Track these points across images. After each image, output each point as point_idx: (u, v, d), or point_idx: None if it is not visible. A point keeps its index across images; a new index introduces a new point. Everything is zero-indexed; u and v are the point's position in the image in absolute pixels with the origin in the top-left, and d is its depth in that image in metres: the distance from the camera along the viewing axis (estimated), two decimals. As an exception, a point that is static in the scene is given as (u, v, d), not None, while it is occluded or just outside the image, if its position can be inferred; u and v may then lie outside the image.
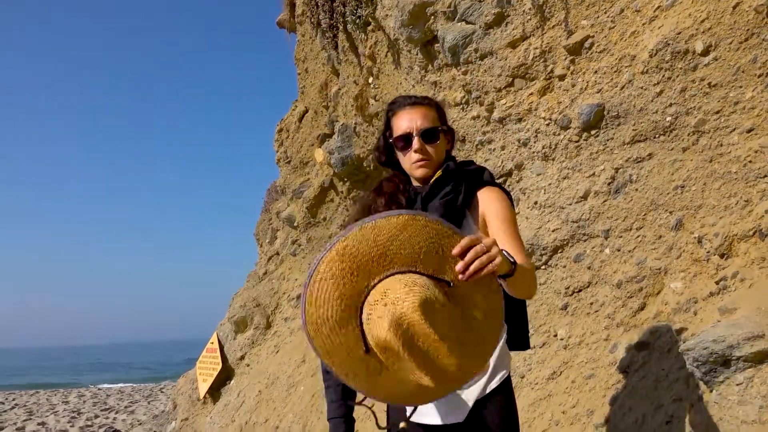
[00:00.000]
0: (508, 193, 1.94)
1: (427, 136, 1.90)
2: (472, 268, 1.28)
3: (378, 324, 1.26)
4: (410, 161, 1.91)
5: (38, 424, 10.45)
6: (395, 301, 1.25)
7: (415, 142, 1.88)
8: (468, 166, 1.96)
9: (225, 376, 7.83)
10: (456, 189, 1.87)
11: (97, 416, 11.59)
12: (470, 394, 1.84)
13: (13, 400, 15.92)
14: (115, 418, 11.17)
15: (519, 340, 2.07)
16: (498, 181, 3.63)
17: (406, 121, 1.91)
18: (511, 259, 1.47)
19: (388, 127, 1.99)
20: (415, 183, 1.97)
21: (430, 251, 1.33)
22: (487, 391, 1.84)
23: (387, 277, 1.30)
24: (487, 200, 1.87)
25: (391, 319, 1.24)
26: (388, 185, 1.99)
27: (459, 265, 1.28)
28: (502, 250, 1.37)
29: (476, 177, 1.92)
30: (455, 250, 1.28)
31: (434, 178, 1.89)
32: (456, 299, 1.35)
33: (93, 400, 15.29)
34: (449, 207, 1.83)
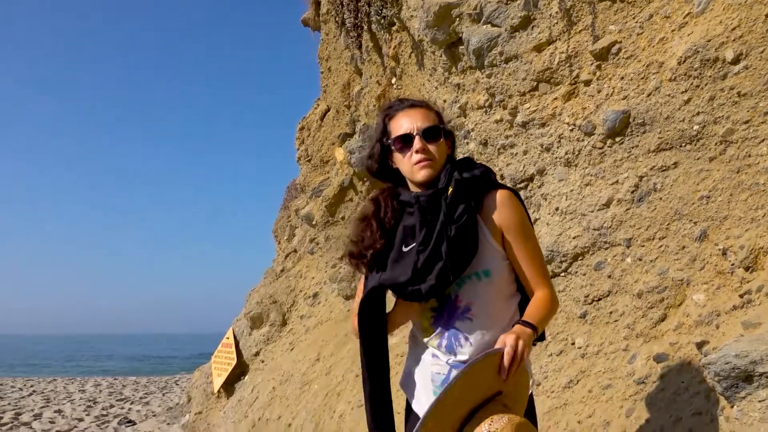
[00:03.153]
0: (515, 192, 1.90)
1: (429, 134, 1.83)
2: (510, 371, 1.63)
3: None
4: (411, 163, 1.84)
5: (55, 411, 10.59)
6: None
7: (416, 141, 1.82)
8: (471, 169, 1.87)
9: (239, 371, 7.87)
10: (468, 209, 1.79)
11: (112, 406, 11.71)
12: None
13: (32, 386, 16.14)
14: (130, 409, 11.28)
15: None
16: (519, 186, 3.62)
17: (406, 122, 1.85)
18: (532, 330, 1.74)
19: (384, 132, 1.92)
20: (415, 189, 1.89)
21: (488, 385, 1.67)
22: None
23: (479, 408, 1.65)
24: (500, 209, 1.83)
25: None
26: (370, 206, 1.95)
27: (503, 374, 1.63)
28: (522, 333, 1.69)
29: (484, 182, 1.86)
30: (500, 371, 1.63)
31: (448, 192, 1.80)
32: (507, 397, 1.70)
33: (109, 389, 15.45)
34: (464, 234, 1.78)
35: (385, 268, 1.89)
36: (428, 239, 1.81)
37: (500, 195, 1.85)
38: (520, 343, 1.65)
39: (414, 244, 1.84)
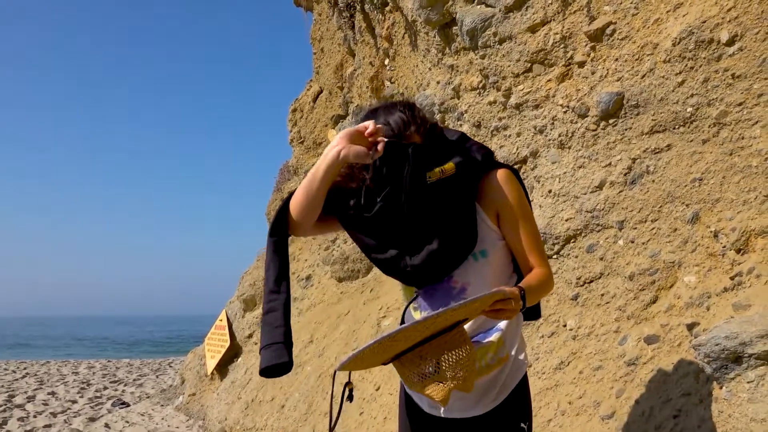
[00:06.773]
0: (514, 171, 1.87)
1: None
2: (491, 315, 1.57)
3: (432, 389, 1.55)
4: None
5: (48, 393, 10.61)
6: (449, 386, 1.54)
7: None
8: (469, 148, 1.82)
9: (233, 353, 7.90)
10: (465, 195, 1.76)
11: (106, 388, 11.73)
12: (492, 390, 1.83)
13: (25, 369, 16.14)
14: (123, 391, 11.31)
15: (531, 310, 2.05)
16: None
17: None
18: (522, 302, 1.64)
19: None
20: None
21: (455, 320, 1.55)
22: (514, 386, 1.84)
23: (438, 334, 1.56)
24: (497, 189, 1.80)
25: (444, 395, 1.55)
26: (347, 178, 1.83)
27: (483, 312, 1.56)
28: (520, 295, 1.62)
29: (485, 165, 1.82)
30: (487, 310, 1.55)
31: (446, 175, 1.72)
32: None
33: (102, 371, 15.48)
34: (462, 225, 1.74)
35: (360, 223, 1.79)
36: (396, 196, 1.70)
37: (498, 175, 1.82)
38: (518, 305, 1.60)
39: (380, 203, 1.73)
